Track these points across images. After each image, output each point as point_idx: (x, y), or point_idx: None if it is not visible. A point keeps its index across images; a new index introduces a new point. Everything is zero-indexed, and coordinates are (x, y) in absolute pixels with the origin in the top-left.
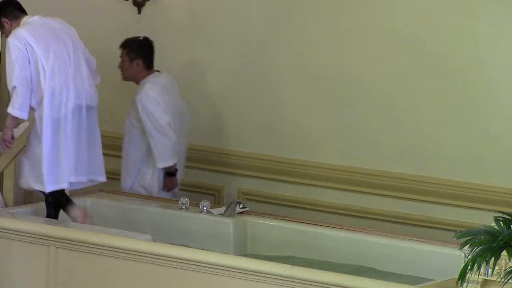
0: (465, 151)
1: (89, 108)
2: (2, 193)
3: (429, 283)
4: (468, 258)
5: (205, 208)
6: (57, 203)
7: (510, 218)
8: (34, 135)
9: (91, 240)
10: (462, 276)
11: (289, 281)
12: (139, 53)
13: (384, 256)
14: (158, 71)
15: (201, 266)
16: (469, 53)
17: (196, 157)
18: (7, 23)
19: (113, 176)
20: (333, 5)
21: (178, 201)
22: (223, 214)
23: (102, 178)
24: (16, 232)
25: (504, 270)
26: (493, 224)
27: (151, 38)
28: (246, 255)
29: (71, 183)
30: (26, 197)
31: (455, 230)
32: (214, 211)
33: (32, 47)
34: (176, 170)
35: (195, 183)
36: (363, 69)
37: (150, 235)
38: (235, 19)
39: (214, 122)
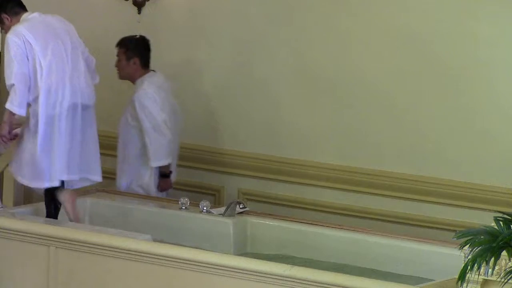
0: (465, 151)
1: (84, 107)
2: (2, 193)
3: (429, 283)
4: (468, 258)
5: (205, 208)
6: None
7: (510, 218)
8: (27, 131)
9: (91, 240)
10: (462, 276)
11: (289, 281)
12: (136, 52)
13: (384, 256)
14: (153, 70)
15: (201, 266)
16: (469, 53)
17: (196, 157)
18: (7, 19)
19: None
20: (333, 5)
21: (178, 201)
22: (223, 214)
23: (98, 178)
24: (16, 232)
25: (504, 270)
26: (493, 224)
27: (151, 38)
28: (246, 255)
29: (67, 182)
30: (26, 197)
31: (455, 230)
32: (214, 211)
33: (30, 44)
34: (171, 172)
35: (195, 183)
36: (363, 69)
37: (150, 235)
38: (235, 19)
39: (214, 122)
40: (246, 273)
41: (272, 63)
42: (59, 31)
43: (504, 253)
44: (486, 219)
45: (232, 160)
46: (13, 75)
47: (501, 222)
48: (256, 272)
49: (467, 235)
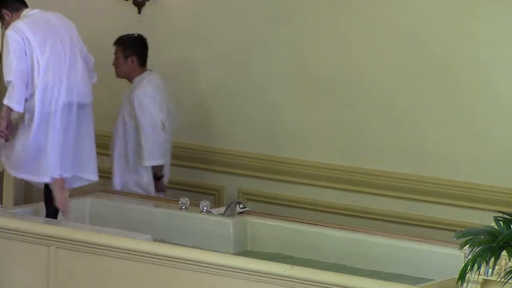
0: (465, 151)
1: (80, 105)
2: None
3: (429, 283)
4: (468, 258)
5: (205, 208)
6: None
7: (510, 218)
8: (22, 126)
9: (91, 240)
10: (462, 276)
11: (289, 281)
12: (133, 50)
13: (384, 256)
14: (149, 70)
15: (201, 266)
16: (469, 53)
17: (197, 157)
18: (8, 14)
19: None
20: (333, 5)
21: (178, 201)
22: (223, 214)
23: (93, 177)
24: (16, 232)
25: (504, 270)
26: (493, 224)
27: (151, 38)
28: (246, 253)
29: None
30: (26, 197)
31: (455, 230)
32: (214, 211)
33: (29, 40)
34: (163, 175)
35: (195, 183)
36: (363, 69)
37: (150, 235)
38: (235, 19)
39: (214, 122)
40: (246, 273)
41: (272, 63)
42: (59, 29)
43: (504, 253)
44: (486, 219)
45: (232, 160)
46: (11, 72)
47: (501, 222)
48: (256, 272)
49: (467, 235)
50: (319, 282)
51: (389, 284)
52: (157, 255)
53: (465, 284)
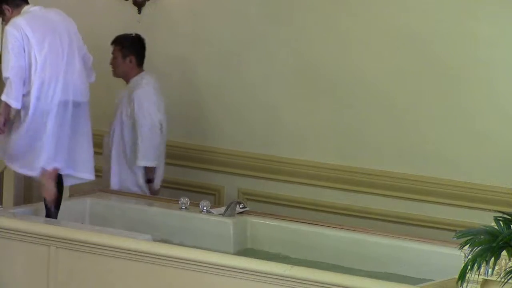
0: (465, 151)
1: (76, 104)
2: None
3: (429, 283)
4: (468, 258)
5: (205, 208)
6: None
7: (510, 218)
8: (17, 121)
9: (91, 240)
10: (462, 276)
11: (289, 281)
12: (132, 50)
13: (385, 256)
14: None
15: (201, 266)
16: (469, 53)
17: (197, 157)
18: (8, 10)
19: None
20: (333, 5)
21: (178, 201)
22: (223, 214)
23: (89, 176)
24: (16, 232)
25: (504, 270)
26: (493, 224)
27: (151, 38)
28: (246, 250)
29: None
30: (26, 197)
31: (455, 230)
32: (214, 211)
33: (28, 37)
34: (153, 179)
35: (195, 183)
36: (363, 69)
37: (150, 235)
38: (235, 19)
39: (214, 122)
40: (246, 273)
41: (272, 63)
42: (58, 26)
43: (504, 253)
44: (486, 219)
45: (232, 160)
46: (9, 68)
47: (501, 222)
48: (256, 272)
49: (467, 235)
50: (319, 282)
51: (389, 284)
52: (157, 255)
53: (465, 284)
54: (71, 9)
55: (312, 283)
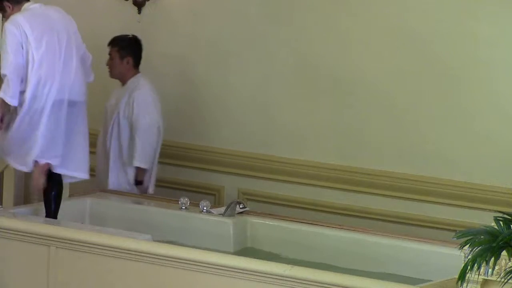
0: (465, 151)
1: (72, 103)
2: (2, 193)
3: (429, 283)
4: (468, 258)
5: (205, 208)
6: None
7: (510, 218)
8: (13, 118)
9: (91, 240)
10: (462, 276)
11: (289, 281)
12: (129, 51)
13: (384, 256)
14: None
15: (201, 266)
16: (469, 53)
17: (196, 157)
18: (9, 7)
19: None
20: (333, 5)
21: (178, 201)
22: (223, 214)
23: (83, 175)
24: (16, 232)
25: (504, 270)
26: (493, 224)
27: (151, 38)
28: (246, 249)
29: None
30: (26, 197)
31: (455, 230)
32: (214, 211)
33: (26, 34)
34: (142, 181)
35: (195, 183)
36: (363, 69)
37: (150, 235)
38: (235, 19)
39: (214, 122)
40: (246, 273)
41: (272, 63)
42: (57, 25)
43: (504, 253)
44: (486, 219)
45: (232, 160)
46: (7, 66)
47: (501, 222)
48: (256, 272)
49: (467, 235)
50: (319, 282)
51: (389, 284)
52: (157, 255)
53: (465, 284)
54: (71, 9)
55: (312, 283)
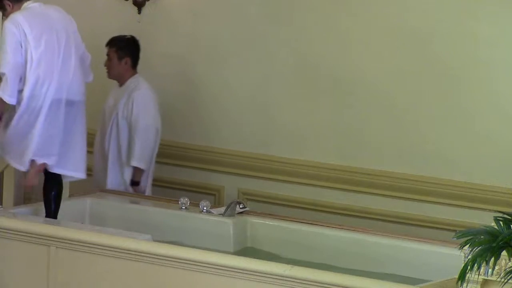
0: (465, 151)
1: (70, 102)
2: (2, 193)
3: (429, 283)
4: (468, 258)
5: (205, 208)
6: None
7: (510, 218)
8: (10, 116)
9: (91, 240)
10: (462, 276)
11: (289, 281)
12: (127, 52)
13: (384, 256)
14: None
15: (201, 266)
16: (469, 53)
17: (197, 157)
18: (9, 5)
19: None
20: (333, 5)
21: (178, 201)
22: (223, 214)
23: (80, 175)
24: (16, 232)
25: (504, 270)
26: (493, 224)
27: (151, 38)
28: (246, 254)
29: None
30: (26, 197)
31: (455, 230)
32: (214, 211)
33: (25, 33)
34: (139, 182)
35: (195, 183)
36: (363, 69)
37: (150, 235)
38: (235, 19)
39: (214, 122)
40: (246, 273)
41: (272, 63)
42: (56, 24)
43: (504, 253)
44: (486, 219)
45: (232, 160)
46: (6, 64)
47: (501, 222)
48: (256, 272)
49: (467, 235)
50: (319, 282)
51: (389, 284)
52: (157, 255)
53: (465, 284)
54: (71, 9)
55: (312, 283)
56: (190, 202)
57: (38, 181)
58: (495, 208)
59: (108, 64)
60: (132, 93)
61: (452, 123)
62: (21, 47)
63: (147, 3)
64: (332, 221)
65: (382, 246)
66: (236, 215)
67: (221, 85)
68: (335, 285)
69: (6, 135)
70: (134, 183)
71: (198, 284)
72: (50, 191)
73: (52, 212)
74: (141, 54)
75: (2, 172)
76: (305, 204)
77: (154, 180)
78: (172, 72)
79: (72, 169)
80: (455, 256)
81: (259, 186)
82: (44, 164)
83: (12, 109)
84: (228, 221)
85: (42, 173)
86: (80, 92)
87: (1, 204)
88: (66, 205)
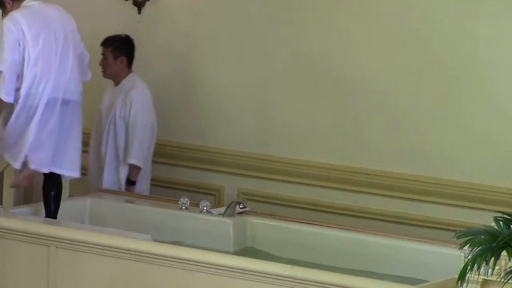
0: (465, 151)
1: (66, 101)
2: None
3: (429, 283)
4: (468, 258)
5: (205, 208)
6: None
7: (510, 218)
8: (8, 114)
9: (91, 240)
10: (462, 276)
11: (289, 281)
12: (122, 51)
13: (384, 256)
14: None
15: (201, 266)
16: (469, 53)
17: (196, 157)
18: (9, 3)
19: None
20: (333, 5)
21: (178, 201)
22: (223, 214)
23: (74, 174)
24: (16, 232)
25: (504, 270)
26: (493, 224)
27: (151, 38)
28: (246, 254)
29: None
30: (26, 197)
31: (455, 230)
32: (214, 211)
33: (23, 32)
34: (135, 182)
35: (195, 183)
36: (363, 69)
37: (150, 235)
38: (235, 19)
39: (214, 122)
40: (246, 273)
41: (272, 63)
42: (54, 23)
43: (504, 253)
44: (486, 219)
45: (232, 160)
46: (3, 62)
47: (501, 222)
48: (255, 272)
49: (467, 235)
50: (319, 282)
51: (389, 284)
52: (157, 255)
53: (465, 284)
54: (71, 9)
55: (312, 283)
56: (190, 202)
57: (27, 184)
58: (495, 208)
59: (104, 64)
60: (129, 92)
61: (452, 123)
62: (19, 45)
63: (147, 3)
64: (332, 221)
65: (382, 246)
66: (236, 215)
67: (221, 85)
68: (335, 285)
69: (4, 133)
70: (130, 182)
71: (198, 284)
72: (49, 191)
73: (52, 212)
74: (141, 54)
75: (2, 172)
76: (305, 204)
77: (154, 180)
78: (173, 71)
79: (67, 168)
80: (455, 256)
81: (259, 186)
82: (36, 170)
83: (10, 107)
84: (228, 221)
85: (42, 173)
86: (77, 91)
87: (1, 204)
88: (66, 205)
